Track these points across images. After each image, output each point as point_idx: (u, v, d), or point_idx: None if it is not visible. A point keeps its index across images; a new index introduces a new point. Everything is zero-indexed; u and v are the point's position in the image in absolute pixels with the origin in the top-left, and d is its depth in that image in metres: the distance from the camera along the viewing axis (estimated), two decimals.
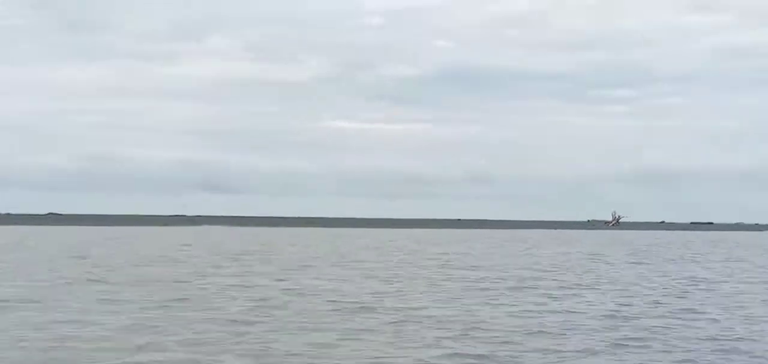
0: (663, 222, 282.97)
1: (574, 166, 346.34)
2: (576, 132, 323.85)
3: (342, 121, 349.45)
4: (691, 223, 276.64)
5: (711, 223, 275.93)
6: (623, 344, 21.96)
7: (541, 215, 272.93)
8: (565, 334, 23.55)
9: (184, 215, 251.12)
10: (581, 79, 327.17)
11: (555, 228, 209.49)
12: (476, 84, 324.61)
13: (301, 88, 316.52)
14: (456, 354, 20.18)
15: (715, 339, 23.19)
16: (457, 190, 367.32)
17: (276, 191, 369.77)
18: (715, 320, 27.26)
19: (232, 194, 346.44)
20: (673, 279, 44.94)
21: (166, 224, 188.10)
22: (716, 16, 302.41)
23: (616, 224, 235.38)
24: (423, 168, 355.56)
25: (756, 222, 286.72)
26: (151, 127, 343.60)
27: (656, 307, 30.87)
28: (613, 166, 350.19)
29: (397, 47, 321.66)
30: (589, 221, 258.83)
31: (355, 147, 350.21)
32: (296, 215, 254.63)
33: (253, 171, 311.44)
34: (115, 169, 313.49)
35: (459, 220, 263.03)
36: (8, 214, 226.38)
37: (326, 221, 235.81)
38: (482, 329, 24.17)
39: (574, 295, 34.88)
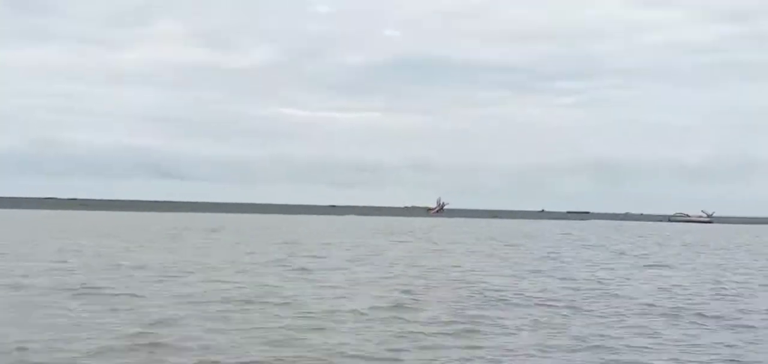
0: (543, 210, 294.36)
1: (518, 156, 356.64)
2: (523, 123, 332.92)
3: (290, 109, 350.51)
4: (568, 212, 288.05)
5: (587, 212, 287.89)
6: None
7: (482, 204, 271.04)
8: None
9: (137, 200, 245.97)
10: (530, 71, 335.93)
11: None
12: (425, 74, 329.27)
13: (249, 75, 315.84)
14: None
15: None
16: (404, 178, 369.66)
17: (224, 177, 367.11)
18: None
19: (180, 180, 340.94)
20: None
21: (113, 210, 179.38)
22: (665, 12, 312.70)
23: (440, 211, 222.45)
24: (371, 157, 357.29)
25: (641, 212, 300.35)
26: (99, 112, 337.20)
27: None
28: (556, 157, 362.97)
29: (346, 36, 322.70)
30: (406, 207, 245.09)
31: (303, 135, 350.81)
32: (245, 202, 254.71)
33: (200, 158, 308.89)
34: (62, 154, 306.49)
35: (395, 207, 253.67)
36: None
37: (274, 207, 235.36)
38: None
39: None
